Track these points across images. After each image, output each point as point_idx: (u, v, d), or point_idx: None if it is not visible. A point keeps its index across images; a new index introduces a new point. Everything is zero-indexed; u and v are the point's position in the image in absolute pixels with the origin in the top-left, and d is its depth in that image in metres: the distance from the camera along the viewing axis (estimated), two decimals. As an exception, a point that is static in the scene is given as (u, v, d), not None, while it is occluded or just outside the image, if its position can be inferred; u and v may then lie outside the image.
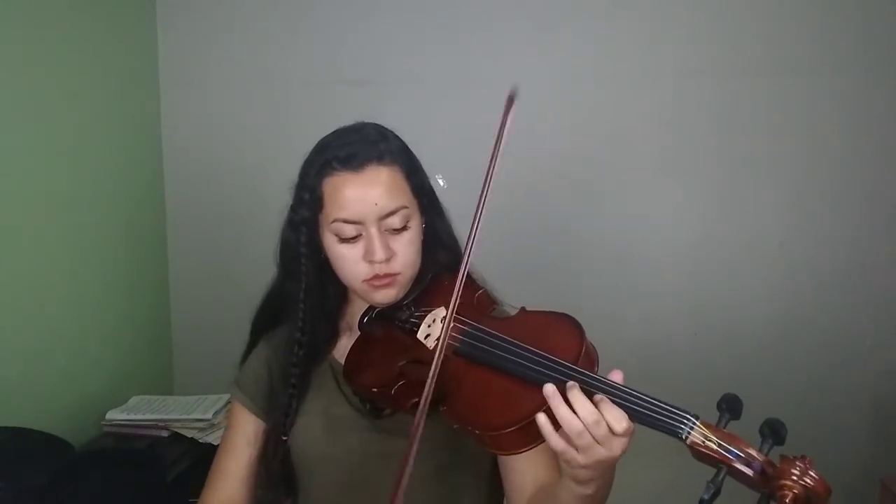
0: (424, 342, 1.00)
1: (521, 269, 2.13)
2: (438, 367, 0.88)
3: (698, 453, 0.76)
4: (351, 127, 1.08)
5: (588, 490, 0.86)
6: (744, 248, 2.27)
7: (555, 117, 2.23)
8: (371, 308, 1.11)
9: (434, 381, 0.88)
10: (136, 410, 2.03)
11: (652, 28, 2.22)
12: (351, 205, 1.00)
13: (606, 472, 0.84)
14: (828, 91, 2.18)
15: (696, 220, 2.29)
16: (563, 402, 0.79)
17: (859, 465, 2.25)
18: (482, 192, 0.92)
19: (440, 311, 1.02)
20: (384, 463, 1.04)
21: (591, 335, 0.88)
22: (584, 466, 0.81)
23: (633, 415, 0.79)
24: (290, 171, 1.08)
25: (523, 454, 0.88)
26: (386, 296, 1.04)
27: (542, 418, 0.80)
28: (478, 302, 1.04)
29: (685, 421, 0.77)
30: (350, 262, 1.03)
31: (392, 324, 1.07)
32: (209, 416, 1.98)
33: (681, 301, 2.30)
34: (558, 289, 2.08)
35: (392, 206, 1.01)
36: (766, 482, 0.73)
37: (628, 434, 0.79)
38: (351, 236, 1.02)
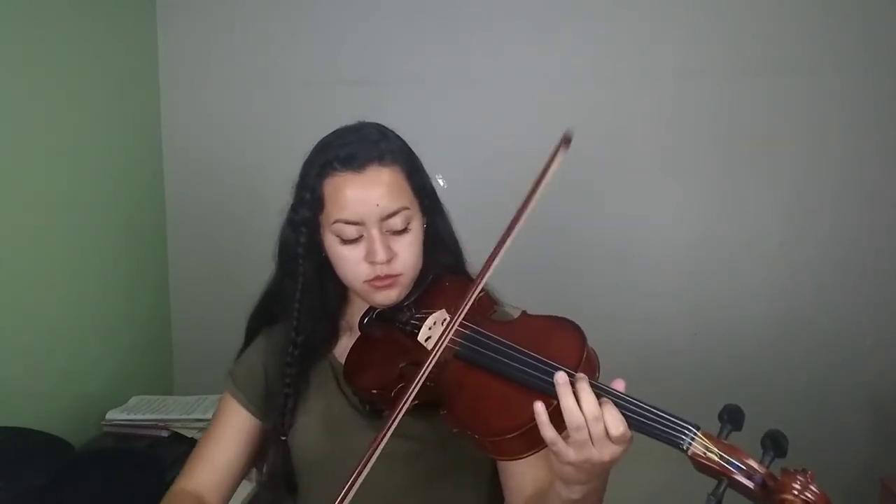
0: (425, 345, 0.99)
1: (521, 269, 2.11)
2: (432, 364, 0.88)
3: (699, 465, 0.76)
4: (351, 127, 1.08)
5: (574, 495, 0.86)
6: (744, 248, 2.26)
7: (555, 117, 2.22)
8: (371, 308, 1.11)
9: (425, 376, 0.88)
10: (136, 410, 2.02)
11: (652, 28, 2.22)
12: (352, 205, 1.00)
13: (594, 479, 0.84)
14: (828, 91, 2.18)
15: (696, 220, 2.28)
16: (571, 393, 0.79)
17: (859, 465, 2.25)
18: (510, 226, 0.94)
19: (442, 314, 1.02)
20: (384, 463, 1.04)
21: (591, 335, 0.88)
22: (572, 464, 0.81)
23: (633, 424, 0.79)
24: (290, 171, 1.08)
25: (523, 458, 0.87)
26: (387, 297, 1.04)
27: (538, 406, 0.80)
28: (479, 304, 1.03)
29: (686, 432, 0.77)
30: (351, 263, 1.03)
31: (393, 325, 1.07)
32: (209, 416, 1.96)
33: (681, 301, 2.30)
34: (558, 289, 2.08)
35: (393, 206, 1.01)
36: (767, 495, 0.73)
37: (622, 442, 0.79)
38: (352, 238, 1.02)
